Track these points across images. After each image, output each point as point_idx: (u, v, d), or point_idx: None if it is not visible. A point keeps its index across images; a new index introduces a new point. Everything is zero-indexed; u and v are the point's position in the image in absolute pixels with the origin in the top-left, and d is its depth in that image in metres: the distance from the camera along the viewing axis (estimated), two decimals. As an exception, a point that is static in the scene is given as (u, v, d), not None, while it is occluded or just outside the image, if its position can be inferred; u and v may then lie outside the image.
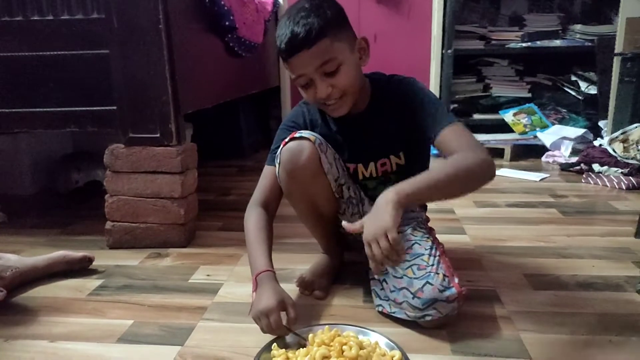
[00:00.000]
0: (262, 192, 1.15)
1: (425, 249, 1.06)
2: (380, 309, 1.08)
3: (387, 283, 1.07)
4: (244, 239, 1.10)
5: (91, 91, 1.44)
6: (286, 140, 1.06)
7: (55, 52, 1.42)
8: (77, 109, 1.45)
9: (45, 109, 1.46)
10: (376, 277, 1.11)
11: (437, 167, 0.95)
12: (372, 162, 1.14)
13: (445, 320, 0.99)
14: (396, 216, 0.86)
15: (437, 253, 1.06)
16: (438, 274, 0.99)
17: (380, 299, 1.08)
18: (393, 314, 1.04)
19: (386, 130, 1.11)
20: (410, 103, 1.07)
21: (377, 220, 0.87)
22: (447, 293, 0.97)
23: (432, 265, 1.02)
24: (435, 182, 0.93)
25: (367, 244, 0.88)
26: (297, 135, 1.06)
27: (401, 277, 1.02)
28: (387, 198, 0.89)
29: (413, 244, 1.08)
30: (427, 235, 1.13)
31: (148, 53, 1.38)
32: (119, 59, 1.40)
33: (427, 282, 0.98)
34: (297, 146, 1.05)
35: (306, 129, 1.13)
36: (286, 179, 1.08)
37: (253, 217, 1.12)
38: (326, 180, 1.09)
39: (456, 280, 1.00)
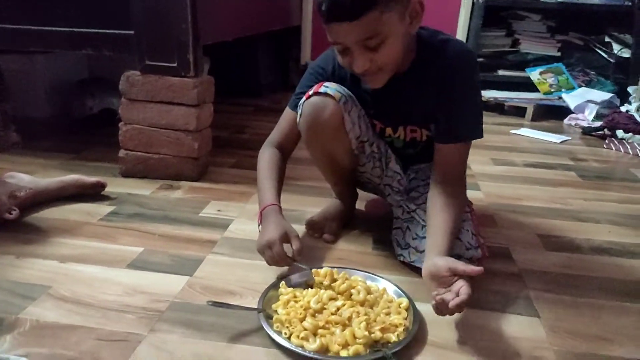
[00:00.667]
0: (280, 134, 1.13)
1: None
2: (401, 258, 1.06)
3: (410, 230, 1.05)
4: (256, 177, 1.09)
5: (109, 13, 1.40)
6: (310, 93, 1.02)
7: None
8: (93, 30, 1.41)
9: (61, 29, 1.42)
10: (400, 225, 1.09)
11: (449, 220, 0.93)
12: (402, 126, 1.10)
13: None
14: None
15: (469, 209, 1.05)
16: (468, 231, 0.98)
17: (402, 248, 1.06)
18: (412, 263, 1.03)
19: (421, 100, 1.02)
20: (451, 90, 0.96)
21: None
22: (472, 252, 0.96)
23: (464, 221, 0.99)
24: (451, 236, 0.92)
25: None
26: (321, 90, 1.00)
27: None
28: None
29: None
30: None
31: (169, -24, 1.32)
32: (138, -19, 1.34)
33: (457, 237, 0.96)
34: (320, 102, 1.00)
35: (334, 79, 1.06)
36: (306, 132, 1.05)
37: (266, 155, 1.10)
38: (347, 138, 1.06)
39: (482, 240, 1.00)
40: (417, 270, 1.03)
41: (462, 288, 0.78)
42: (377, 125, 1.11)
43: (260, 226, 1.00)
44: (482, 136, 0.99)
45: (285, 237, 0.96)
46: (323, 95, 1.00)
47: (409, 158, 1.16)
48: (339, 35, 0.87)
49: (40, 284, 0.95)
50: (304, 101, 1.02)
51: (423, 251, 0.98)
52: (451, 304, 0.77)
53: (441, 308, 0.79)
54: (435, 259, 0.86)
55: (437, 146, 1.01)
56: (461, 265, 0.81)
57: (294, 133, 1.10)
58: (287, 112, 1.12)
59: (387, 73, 0.93)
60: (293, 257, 0.96)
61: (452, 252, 0.91)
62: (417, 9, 0.88)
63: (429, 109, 1.01)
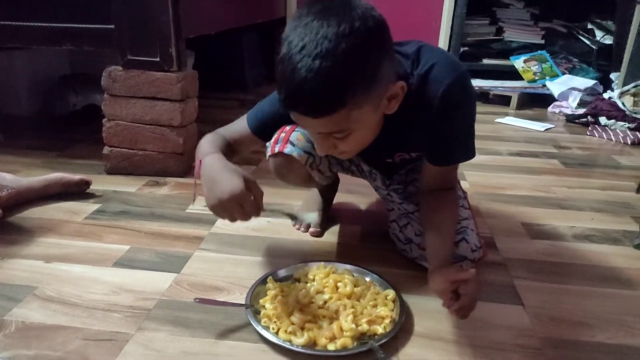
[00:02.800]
0: (231, 134, 0.99)
1: (459, 198, 1.03)
2: (405, 254, 1.06)
3: (412, 226, 1.04)
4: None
5: (88, 7, 1.38)
6: (276, 150, 0.95)
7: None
8: (73, 25, 1.39)
9: (39, 24, 1.40)
10: (397, 220, 1.09)
11: (446, 226, 0.91)
12: (388, 159, 1.03)
13: None
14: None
15: (467, 205, 1.05)
16: (473, 230, 0.98)
17: (403, 243, 1.06)
18: (415, 259, 1.03)
19: (409, 138, 0.93)
20: (444, 124, 0.85)
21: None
22: (476, 254, 0.97)
23: (466, 219, 1.00)
24: (450, 240, 0.91)
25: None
26: (287, 150, 0.94)
27: None
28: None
29: None
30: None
31: (149, -30, 1.31)
32: (118, -25, 1.32)
33: (464, 239, 0.96)
34: (285, 164, 0.97)
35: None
36: (276, 177, 1.03)
37: (209, 137, 0.96)
38: (317, 181, 1.06)
39: (482, 240, 1.01)
40: (402, 262, 1.04)
41: (462, 295, 0.76)
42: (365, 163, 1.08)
43: (201, 179, 0.85)
44: (474, 156, 0.92)
45: (247, 184, 0.80)
46: (289, 158, 0.95)
47: (400, 167, 1.12)
48: (299, 122, 0.76)
49: (25, 284, 0.95)
50: (270, 155, 0.97)
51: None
52: (450, 310, 0.77)
53: (455, 316, 0.79)
54: (432, 276, 0.83)
55: (426, 164, 0.94)
56: (456, 275, 0.77)
57: (244, 144, 1.00)
58: (244, 123, 1.00)
59: (353, 155, 0.87)
60: (261, 207, 0.85)
61: (454, 255, 0.90)
62: (398, 92, 0.77)
63: (419, 142, 0.93)
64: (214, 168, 0.83)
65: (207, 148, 0.91)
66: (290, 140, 0.95)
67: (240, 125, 1.01)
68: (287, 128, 0.97)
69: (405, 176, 1.12)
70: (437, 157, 0.92)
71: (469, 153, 0.91)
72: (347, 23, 0.66)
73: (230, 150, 0.97)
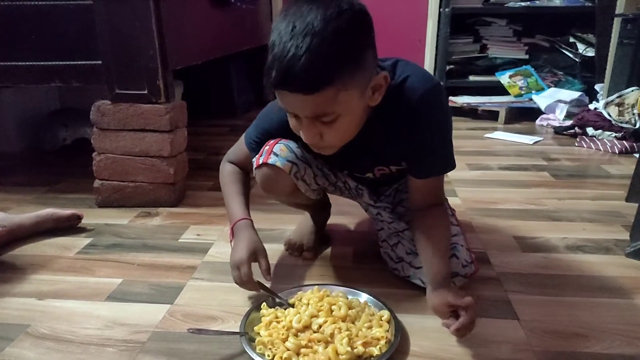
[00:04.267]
0: (237, 158, 1.09)
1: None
2: (396, 272, 1.06)
3: (402, 245, 1.05)
4: (222, 194, 1.09)
5: (75, 44, 1.39)
6: (260, 162, 0.96)
7: (35, 2, 1.36)
8: (60, 63, 1.40)
9: (27, 63, 1.41)
10: (387, 240, 1.10)
11: (438, 243, 0.92)
12: (368, 172, 1.05)
13: None
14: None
15: (456, 221, 1.05)
16: (463, 246, 0.99)
17: (395, 262, 1.06)
18: (407, 278, 1.03)
19: (387, 147, 0.95)
20: (420, 135, 0.88)
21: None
22: (467, 270, 0.97)
23: (455, 235, 1.00)
24: (446, 258, 0.93)
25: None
26: (270, 161, 0.95)
27: None
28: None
29: None
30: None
31: (133, 4, 1.33)
32: (103, 11, 1.34)
33: (454, 255, 0.97)
34: (270, 174, 0.97)
35: (286, 136, 0.97)
36: (263, 190, 1.03)
37: (228, 170, 1.09)
38: (304, 195, 1.05)
39: (473, 255, 1.01)
40: (396, 282, 1.04)
41: (462, 316, 0.80)
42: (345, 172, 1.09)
43: (233, 242, 1.00)
44: (454, 166, 0.94)
45: (254, 257, 0.95)
46: (273, 168, 0.96)
47: (385, 182, 1.14)
48: (288, 104, 0.78)
49: (17, 323, 0.94)
50: (255, 168, 0.99)
51: (419, 267, 0.99)
52: (451, 329, 0.80)
53: (456, 335, 0.82)
54: (432, 297, 0.86)
55: (411, 179, 0.96)
56: (455, 300, 0.81)
57: (248, 163, 1.04)
58: (243, 145, 1.06)
59: (337, 147, 0.86)
60: (261, 285, 0.96)
61: (449, 272, 0.91)
62: (381, 82, 0.80)
63: (397, 152, 0.96)
64: (238, 235, 0.99)
65: (230, 188, 1.06)
66: (273, 151, 0.96)
67: (240, 149, 1.08)
68: (271, 142, 0.99)
69: (393, 197, 1.13)
70: (420, 169, 0.94)
71: (450, 162, 0.94)
72: (335, 7, 0.71)
73: (244, 174, 1.09)
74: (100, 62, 1.39)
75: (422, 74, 0.88)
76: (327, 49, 0.70)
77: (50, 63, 1.41)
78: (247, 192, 1.08)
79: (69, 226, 1.35)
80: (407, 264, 1.03)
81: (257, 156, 0.99)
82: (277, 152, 0.96)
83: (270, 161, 0.95)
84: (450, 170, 0.94)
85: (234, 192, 1.05)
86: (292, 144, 0.98)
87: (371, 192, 1.12)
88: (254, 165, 0.99)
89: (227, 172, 1.09)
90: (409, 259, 1.02)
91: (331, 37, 0.70)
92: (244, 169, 1.10)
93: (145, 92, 1.40)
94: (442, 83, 2.87)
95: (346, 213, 1.40)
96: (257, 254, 0.96)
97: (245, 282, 0.93)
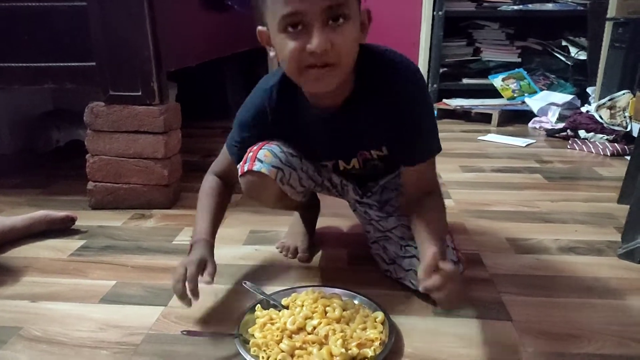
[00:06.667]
0: (220, 168, 1.09)
1: None
2: (388, 274, 1.06)
3: (392, 246, 1.05)
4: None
5: (68, 46, 1.39)
6: (245, 169, 0.95)
7: (28, 4, 1.36)
8: (54, 64, 1.40)
9: (20, 64, 1.41)
10: (378, 241, 1.10)
11: (432, 217, 0.92)
12: (352, 157, 1.03)
13: None
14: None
15: None
16: (449, 246, 0.98)
17: (387, 263, 1.06)
18: (400, 280, 1.03)
19: (363, 127, 0.95)
20: (400, 113, 0.89)
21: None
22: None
23: None
24: (442, 238, 0.90)
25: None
26: (255, 167, 0.93)
27: (408, 246, 1.01)
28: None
29: None
30: None
31: (128, 6, 1.33)
32: (97, 12, 1.34)
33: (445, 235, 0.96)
34: (255, 182, 0.96)
35: (266, 126, 0.98)
36: (249, 198, 1.02)
37: (208, 183, 1.08)
38: (291, 198, 1.03)
39: (460, 254, 1.01)
40: (391, 284, 1.04)
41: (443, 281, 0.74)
42: (329, 163, 1.07)
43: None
44: (441, 149, 0.96)
45: (203, 264, 0.91)
46: (257, 174, 0.95)
47: (370, 176, 1.14)
48: (301, 2, 0.74)
49: (10, 325, 0.93)
50: (240, 176, 0.97)
51: (409, 270, 1.00)
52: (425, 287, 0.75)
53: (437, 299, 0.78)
54: (424, 249, 0.84)
55: (403, 173, 0.99)
56: (444, 264, 0.75)
57: (233, 173, 1.02)
58: (226, 153, 1.06)
59: (341, 70, 0.81)
60: (255, 287, 0.97)
61: (444, 250, 0.88)
62: (365, 20, 0.83)
63: (379, 135, 0.96)
64: (193, 251, 0.96)
65: (202, 203, 1.05)
66: (257, 157, 0.94)
67: (224, 156, 1.07)
68: (255, 148, 0.97)
69: (380, 195, 1.13)
70: (407, 158, 0.95)
71: (435, 147, 0.96)
72: None
73: (225, 186, 1.08)
74: (94, 63, 1.39)
75: (403, 58, 0.92)
76: None
77: (43, 64, 1.41)
78: (221, 209, 1.06)
79: (63, 228, 1.34)
80: (398, 266, 1.03)
81: (240, 164, 0.97)
82: (262, 158, 0.94)
83: (255, 168, 0.93)
84: (437, 153, 0.96)
85: (205, 208, 1.03)
86: (276, 149, 0.96)
87: (356, 188, 1.13)
88: (239, 173, 0.97)
89: (206, 185, 1.07)
90: (400, 261, 1.03)
91: None
92: (229, 179, 1.08)
93: (140, 93, 1.40)
94: (435, 86, 2.89)
95: (341, 215, 1.40)
96: (206, 263, 0.92)
97: (189, 281, 0.86)
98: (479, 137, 2.41)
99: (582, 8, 2.75)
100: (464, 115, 2.79)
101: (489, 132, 2.51)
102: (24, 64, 1.41)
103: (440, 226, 0.93)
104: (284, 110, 0.95)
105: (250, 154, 0.96)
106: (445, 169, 1.87)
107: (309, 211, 1.26)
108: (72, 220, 1.35)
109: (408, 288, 1.01)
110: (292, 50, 0.78)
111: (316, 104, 0.92)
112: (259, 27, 0.85)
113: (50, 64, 1.40)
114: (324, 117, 0.93)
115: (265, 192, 0.99)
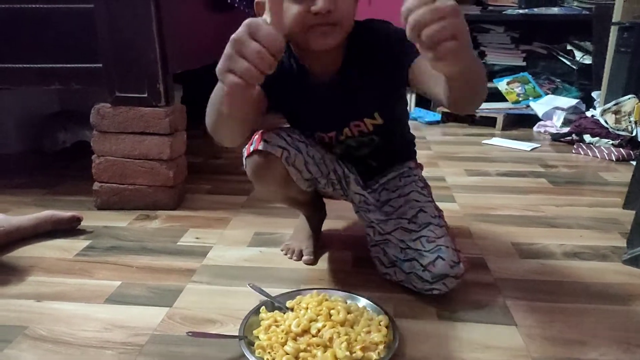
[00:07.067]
0: None
1: (432, 217, 1.05)
2: (387, 277, 1.06)
3: (386, 252, 1.05)
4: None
5: (75, 47, 1.40)
6: (251, 149, 0.98)
7: (35, 5, 1.37)
8: (60, 65, 1.41)
9: (27, 65, 1.42)
10: (378, 244, 1.09)
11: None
12: (345, 127, 1.06)
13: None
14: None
15: (443, 222, 1.05)
16: (448, 247, 0.98)
17: (386, 267, 1.06)
18: (400, 282, 1.03)
19: (357, 93, 1.00)
20: (383, 45, 0.93)
21: None
22: (456, 269, 0.96)
23: (441, 237, 1.00)
24: (479, 66, 0.76)
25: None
26: (261, 147, 0.97)
27: (408, 248, 1.01)
28: None
29: (418, 212, 1.06)
30: (429, 199, 1.11)
31: (135, 8, 1.34)
32: (103, 14, 1.35)
33: (439, 257, 0.96)
34: (261, 162, 0.98)
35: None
36: (254, 184, 1.04)
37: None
38: (296, 184, 1.05)
39: (461, 254, 1.00)
40: (395, 287, 1.04)
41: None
42: (325, 137, 1.09)
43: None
44: None
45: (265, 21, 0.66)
46: (264, 154, 0.98)
47: (370, 168, 1.16)
48: None
49: (16, 324, 0.94)
50: (246, 157, 1.00)
51: (410, 273, 0.99)
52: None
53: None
54: None
55: (411, 72, 0.90)
56: None
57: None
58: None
59: (341, 30, 0.88)
60: (259, 289, 0.96)
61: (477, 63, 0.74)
62: None
63: (372, 101, 1.01)
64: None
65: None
66: (264, 139, 0.98)
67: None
68: (260, 132, 1.01)
69: (379, 194, 1.14)
70: (405, 54, 0.89)
71: None
72: None
73: None
74: (100, 65, 1.40)
75: (387, 23, 0.98)
76: None
77: (50, 65, 1.42)
78: None
79: (69, 228, 1.35)
80: (399, 269, 1.03)
81: (247, 146, 1.00)
82: (268, 139, 0.98)
83: (261, 147, 0.97)
84: None
85: None
86: (282, 133, 1.00)
87: (358, 179, 1.14)
88: (245, 155, 1.00)
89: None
90: (400, 264, 1.03)
91: None
92: None
93: (146, 95, 1.41)
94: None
95: (345, 218, 1.40)
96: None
97: (271, 42, 0.62)
98: (484, 141, 2.41)
99: (587, 12, 2.75)
100: (468, 118, 2.80)
101: (493, 135, 2.51)
102: (32, 65, 1.42)
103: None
104: (284, 71, 0.97)
105: (256, 136, 0.99)
106: (450, 172, 1.87)
107: (315, 214, 1.26)
108: (78, 220, 1.36)
109: (412, 291, 1.01)
110: (297, 13, 0.84)
111: (311, 71, 0.98)
112: (256, 0, 0.90)
113: (57, 65, 1.41)
114: (319, 85, 0.99)
115: (271, 173, 1.00)
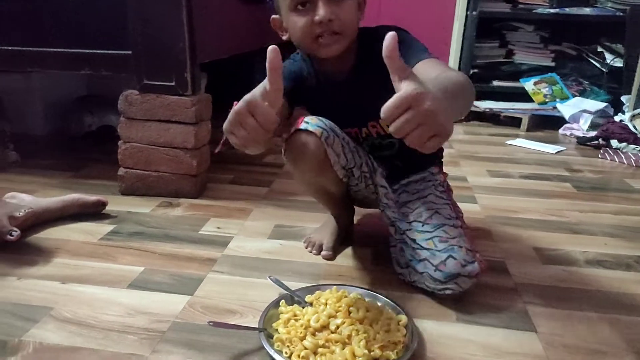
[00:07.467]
0: None
1: (447, 218, 1.05)
2: (401, 277, 1.07)
3: (403, 252, 1.06)
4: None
5: (106, 34, 1.42)
6: (291, 131, 1.00)
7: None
8: (91, 51, 1.43)
9: (58, 49, 1.44)
10: (395, 243, 1.10)
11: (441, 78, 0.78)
12: (363, 127, 1.12)
13: (462, 294, 0.98)
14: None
15: (459, 223, 1.05)
16: (461, 247, 0.98)
17: (401, 267, 1.07)
18: (413, 283, 1.04)
19: (369, 91, 0.93)
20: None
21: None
22: (469, 268, 0.95)
23: (455, 237, 1.00)
24: (452, 87, 0.76)
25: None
26: (302, 126, 0.99)
27: (420, 249, 1.01)
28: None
29: (433, 214, 1.07)
30: (446, 201, 1.11)
31: (166, -3, 1.35)
32: (135, 2, 1.36)
33: (451, 256, 0.96)
34: (302, 140, 0.99)
35: (301, 80, 1.08)
36: (291, 167, 1.05)
37: None
38: (333, 170, 1.05)
39: (478, 254, 0.99)
40: (415, 287, 1.04)
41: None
42: (351, 131, 1.12)
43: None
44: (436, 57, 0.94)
45: (264, 92, 0.73)
46: (304, 133, 0.99)
47: (395, 168, 1.16)
48: None
49: (42, 305, 0.96)
50: (286, 140, 1.01)
51: (423, 272, 1.00)
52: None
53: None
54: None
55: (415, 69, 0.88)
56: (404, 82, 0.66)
57: None
58: None
59: (345, 38, 0.97)
60: (279, 282, 0.97)
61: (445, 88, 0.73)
62: (362, 0, 1.00)
63: (381, 99, 0.96)
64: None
65: None
66: (305, 120, 1.00)
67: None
68: (301, 117, 1.03)
69: (399, 195, 1.16)
70: (407, 58, 0.86)
71: (429, 53, 0.96)
72: None
73: None
74: (130, 52, 1.41)
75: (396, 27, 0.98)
76: None
77: (81, 51, 1.44)
78: None
79: (94, 212, 1.37)
80: (412, 269, 1.03)
81: (285, 135, 1.03)
82: (308, 120, 1.00)
83: (302, 126, 0.99)
84: (433, 56, 0.94)
85: None
86: (321, 117, 1.03)
87: (383, 172, 1.14)
88: (284, 141, 1.02)
89: None
90: (413, 264, 1.03)
91: None
92: None
93: (173, 83, 1.42)
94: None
95: (368, 214, 1.40)
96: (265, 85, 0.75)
97: (265, 122, 0.72)
98: (507, 142, 2.37)
99: (621, 14, 2.68)
100: (492, 118, 2.76)
101: (517, 136, 2.48)
102: (63, 50, 1.44)
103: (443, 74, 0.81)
104: (302, 76, 1.09)
105: (297, 121, 1.02)
106: (472, 172, 1.85)
107: (344, 213, 1.26)
108: (104, 204, 1.38)
109: (430, 293, 1.01)
110: (303, 25, 0.95)
111: (326, 73, 1.06)
112: (273, 16, 1.04)
113: (88, 51, 1.43)
114: (334, 84, 1.06)
115: (310, 154, 0.99)
